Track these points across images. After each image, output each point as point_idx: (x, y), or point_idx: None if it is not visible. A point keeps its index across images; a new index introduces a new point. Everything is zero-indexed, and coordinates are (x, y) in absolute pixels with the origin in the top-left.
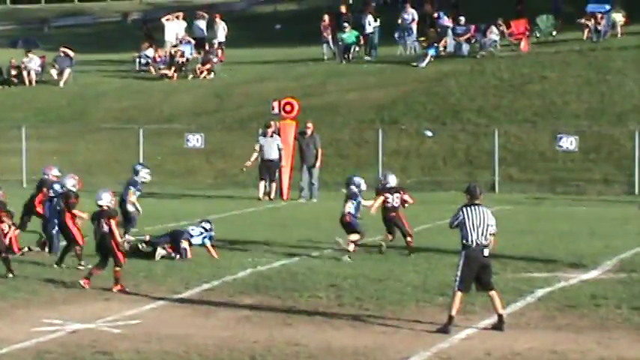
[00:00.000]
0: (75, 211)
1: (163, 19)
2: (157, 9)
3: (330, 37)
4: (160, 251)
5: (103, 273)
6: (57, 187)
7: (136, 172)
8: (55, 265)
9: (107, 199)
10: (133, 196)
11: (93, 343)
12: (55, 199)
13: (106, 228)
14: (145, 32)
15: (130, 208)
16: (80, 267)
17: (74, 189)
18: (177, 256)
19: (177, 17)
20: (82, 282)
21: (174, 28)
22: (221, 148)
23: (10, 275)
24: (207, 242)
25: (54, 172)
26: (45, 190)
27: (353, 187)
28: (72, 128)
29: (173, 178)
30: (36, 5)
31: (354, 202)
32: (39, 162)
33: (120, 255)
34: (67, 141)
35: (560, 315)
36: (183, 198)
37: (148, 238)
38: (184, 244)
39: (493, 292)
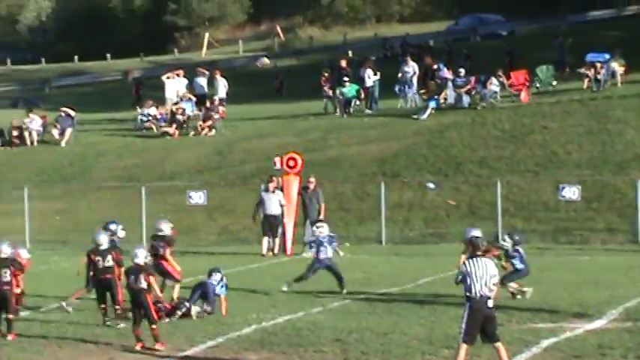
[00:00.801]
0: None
1: (163, 77)
2: (157, 67)
3: (330, 91)
4: (195, 308)
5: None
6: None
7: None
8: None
9: (143, 256)
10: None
11: None
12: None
13: (144, 284)
14: (134, 92)
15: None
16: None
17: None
18: (209, 308)
19: (177, 75)
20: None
21: (174, 85)
22: (223, 204)
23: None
24: (224, 292)
25: (168, 225)
26: (170, 245)
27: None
28: (74, 187)
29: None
30: (36, 65)
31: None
32: (42, 222)
33: (154, 312)
34: (69, 200)
35: None
36: (187, 255)
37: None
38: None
39: (499, 344)
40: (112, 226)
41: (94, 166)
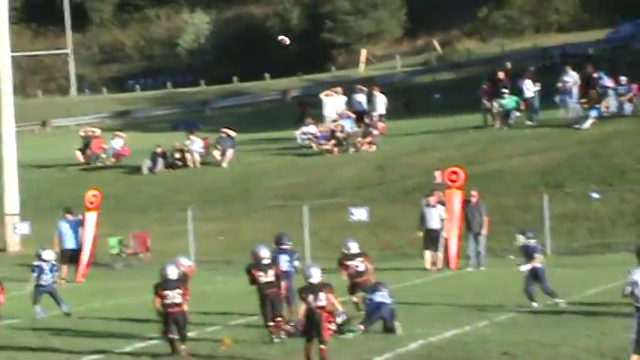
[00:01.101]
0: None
1: (322, 95)
2: (315, 85)
3: (489, 103)
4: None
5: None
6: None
7: None
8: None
9: (318, 274)
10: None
11: None
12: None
13: (323, 302)
14: (300, 112)
15: None
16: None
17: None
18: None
19: (336, 92)
20: None
21: (333, 103)
22: (385, 220)
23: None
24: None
25: (356, 244)
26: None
27: None
28: (237, 208)
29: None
30: (196, 88)
31: None
32: (206, 243)
33: (327, 332)
34: (232, 220)
35: None
36: None
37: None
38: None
39: None
40: (285, 238)
41: (255, 186)
